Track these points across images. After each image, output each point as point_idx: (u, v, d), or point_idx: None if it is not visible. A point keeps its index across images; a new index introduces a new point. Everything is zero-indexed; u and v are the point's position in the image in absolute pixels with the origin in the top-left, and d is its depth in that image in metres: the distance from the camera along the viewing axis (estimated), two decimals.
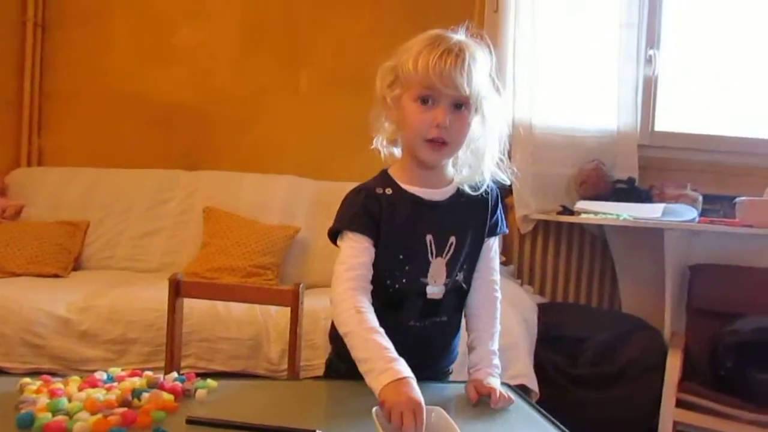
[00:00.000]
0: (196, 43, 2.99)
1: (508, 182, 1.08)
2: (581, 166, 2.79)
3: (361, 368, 0.90)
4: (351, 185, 2.89)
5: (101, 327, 1.84)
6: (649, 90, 2.99)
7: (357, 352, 0.92)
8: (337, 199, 2.86)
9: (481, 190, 1.06)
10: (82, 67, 3.01)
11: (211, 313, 1.86)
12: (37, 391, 0.84)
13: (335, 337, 1.07)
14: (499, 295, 1.12)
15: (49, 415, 0.76)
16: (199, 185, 2.73)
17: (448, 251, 1.04)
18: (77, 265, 2.46)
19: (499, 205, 1.12)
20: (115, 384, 0.90)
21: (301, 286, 1.54)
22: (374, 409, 0.79)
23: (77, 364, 1.79)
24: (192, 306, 1.72)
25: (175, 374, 0.96)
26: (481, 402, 0.97)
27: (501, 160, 1.07)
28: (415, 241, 1.03)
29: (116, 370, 0.97)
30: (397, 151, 1.10)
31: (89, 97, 3.00)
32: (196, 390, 0.91)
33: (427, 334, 1.07)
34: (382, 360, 0.88)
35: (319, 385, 1.04)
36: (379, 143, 1.09)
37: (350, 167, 2.97)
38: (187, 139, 2.95)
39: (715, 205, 2.68)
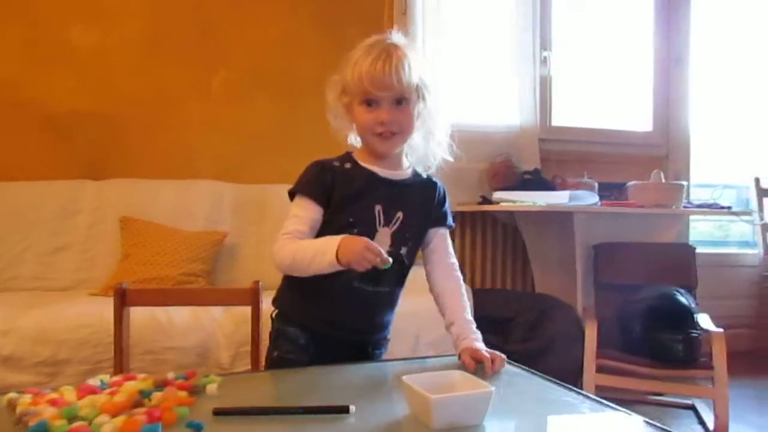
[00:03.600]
0: (93, 44, 2.79)
1: (452, 159, 1.22)
2: (491, 160, 2.97)
3: (316, 263, 1.05)
4: (274, 187, 2.90)
5: (28, 350, 1.68)
6: (544, 88, 3.26)
7: (305, 255, 1.07)
8: (260, 201, 2.85)
9: (432, 169, 1.21)
10: None
11: (151, 324, 1.77)
12: (33, 404, 0.78)
13: (285, 304, 1.22)
14: (459, 275, 1.23)
15: (66, 422, 0.71)
16: (109, 195, 2.55)
17: (395, 223, 1.15)
18: None
19: (447, 198, 1.25)
20: (114, 389, 0.85)
21: (259, 283, 1.53)
22: (403, 378, 0.82)
23: (3, 390, 1.61)
24: (130, 318, 1.62)
25: (172, 373, 0.92)
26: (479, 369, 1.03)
27: (448, 142, 1.21)
28: (366, 208, 1.14)
29: (106, 377, 0.91)
30: None
31: None
32: (205, 386, 0.88)
33: (371, 300, 1.16)
34: (322, 243, 1.06)
35: (328, 370, 1.04)
36: (353, 139, 1.22)
37: (270, 169, 2.94)
38: (90, 146, 2.73)
39: (605, 191, 2.97)
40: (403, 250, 1.17)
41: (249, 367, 1.80)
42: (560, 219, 2.75)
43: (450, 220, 1.24)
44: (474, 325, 1.16)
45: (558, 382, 1.00)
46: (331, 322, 1.16)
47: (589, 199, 2.68)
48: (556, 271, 2.94)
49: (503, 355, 1.06)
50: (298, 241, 1.11)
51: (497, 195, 2.76)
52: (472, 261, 3.11)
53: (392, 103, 1.10)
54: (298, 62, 3.01)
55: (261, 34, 2.97)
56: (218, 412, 0.79)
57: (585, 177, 2.96)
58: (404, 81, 1.08)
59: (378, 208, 1.14)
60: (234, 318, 1.88)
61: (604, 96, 3.45)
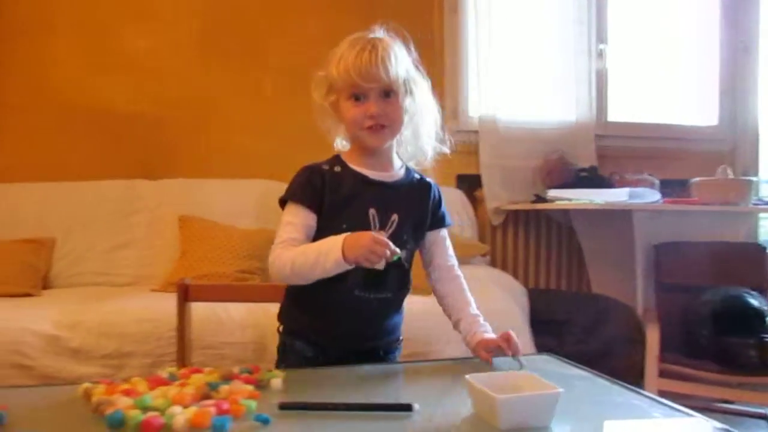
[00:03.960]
0: (147, 49, 2.88)
1: (447, 151, 1.19)
2: (545, 157, 2.90)
3: (320, 266, 1.01)
4: None
5: (94, 343, 1.74)
6: (601, 83, 3.16)
7: (306, 261, 1.02)
8: None
9: (426, 164, 1.19)
10: (29, 81, 2.83)
11: (212, 319, 1.80)
12: (107, 394, 0.80)
13: (287, 317, 1.20)
14: (460, 273, 1.21)
15: (140, 412, 0.72)
16: (166, 194, 2.63)
17: (391, 226, 1.11)
18: (45, 284, 2.32)
19: (442, 199, 1.22)
20: (182, 381, 0.87)
21: None
22: (467, 377, 0.80)
23: (72, 381, 1.68)
24: (191, 314, 1.66)
25: (237, 367, 0.93)
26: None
27: (438, 133, 1.18)
28: (359, 212, 1.10)
29: (174, 370, 0.93)
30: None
31: (37, 111, 2.82)
32: (269, 380, 0.89)
33: (374, 308, 1.12)
34: (324, 243, 1.02)
35: (390, 368, 1.04)
36: (339, 144, 1.19)
37: None
38: (144, 147, 2.82)
39: (667, 189, 2.85)
40: (402, 254, 1.10)
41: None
42: (619, 218, 2.65)
43: (448, 219, 1.22)
44: (481, 318, 1.15)
45: (625, 384, 0.96)
46: (336, 335, 1.13)
47: (650, 196, 2.58)
48: (614, 272, 2.85)
49: (510, 331, 1.06)
50: (297, 248, 1.05)
51: (552, 193, 2.70)
52: (525, 261, 3.05)
53: (380, 96, 1.07)
54: None
55: (306, 32, 2.98)
56: (284, 407, 0.79)
57: (645, 174, 2.85)
58: (391, 72, 1.06)
59: (372, 211, 1.10)
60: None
61: (664, 89, 3.32)
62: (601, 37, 3.14)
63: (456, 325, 1.17)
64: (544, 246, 3.07)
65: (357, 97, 1.07)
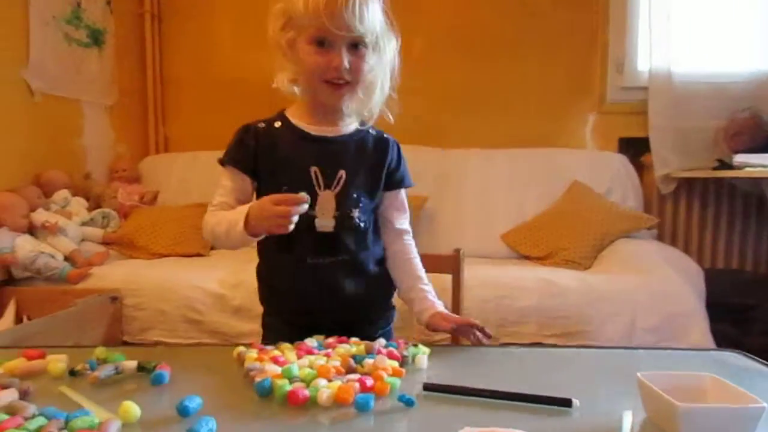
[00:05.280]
0: None
1: (392, 120, 1.06)
2: (732, 116, 2.51)
3: (232, 238, 0.94)
4: (474, 152, 2.83)
5: (253, 302, 1.85)
6: None
7: (221, 231, 0.96)
8: (460, 166, 2.80)
9: (369, 125, 1.06)
10: (195, 59, 3.07)
11: None
12: (259, 359, 0.81)
13: (260, 295, 1.11)
14: (411, 242, 1.12)
15: (287, 382, 0.72)
16: None
17: (337, 184, 1.01)
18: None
19: (402, 158, 1.10)
20: (328, 351, 0.86)
21: (461, 251, 1.47)
22: (638, 375, 0.69)
23: (233, 338, 1.81)
24: None
25: (383, 341, 0.90)
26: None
27: (390, 96, 1.05)
28: (299, 172, 1.00)
29: (321, 338, 0.93)
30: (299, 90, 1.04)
31: (203, 86, 3.07)
32: (414, 356, 0.85)
33: (332, 274, 1.02)
34: (233, 214, 0.94)
35: (547, 352, 0.95)
36: (280, 83, 1.03)
37: (470, 133, 2.89)
38: None
39: None
40: (356, 213, 1.02)
41: (448, 336, 1.79)
42: None
43: (408, 180, 1.11)
44: (434, 292, 1.08)
45: None
46: (302, 310, 1.04)
47: None
48: None
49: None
50: (217, 214, 0.99)
51: (739, 158, 2.33)
52: (699, 236, 2.71)
53: (347, 46, 0.95)
54: (495, 24, 2.87)
55: None
56: (428, 388, 0.74)
57: None
58: (367, 22, 0.94)
59: (314, 169, 1.00)
60: (435, 284, 1.86)
61: None
62: None
63: (404, 296, 1.10)
64: (725, 219, 2.69)
65: (321, 43, 0.95)
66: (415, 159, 2.60)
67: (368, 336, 0.93)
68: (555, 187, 2.61)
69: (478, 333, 0.98)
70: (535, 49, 2.89)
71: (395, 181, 1.09)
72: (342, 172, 1.01)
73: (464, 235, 2.52)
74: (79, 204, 2.42)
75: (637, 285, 1.91)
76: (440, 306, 1.06)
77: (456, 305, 1.44)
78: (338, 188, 1.01)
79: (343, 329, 0.97)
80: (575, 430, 0.66)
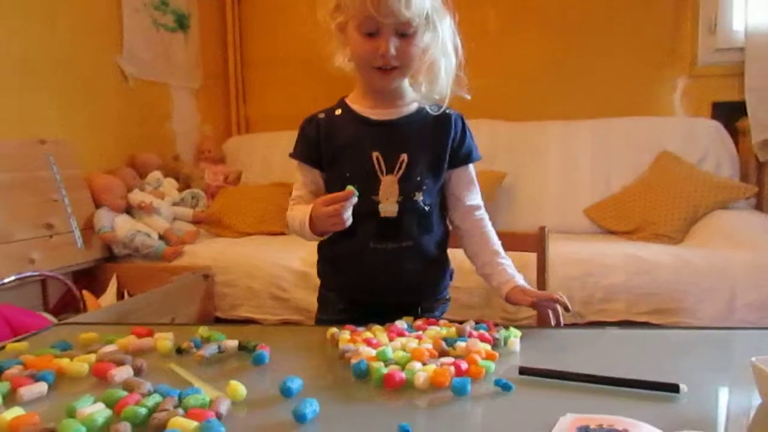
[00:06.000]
0: None
1: (468, 97, 1.03)
2: None
3: (304, 234, 0.99)
4: (551, 124, 2.75)
5: None
6: None
7: (296, 229, 1.01)
8: (537, 140, 2.73)
9: (444, 107, 1.03)
10: (277, 36, 3.12)
11: None
12: (352, 341, 0.83)
13: (319, 269, 1.12)
14: (484, 215, 1.09)
15: (382, 364, 0.73)
16: None
17: (399, 168, 1.00)
18: None
19: (467, 132, 1.07)
20: (419, 333, 0.87)
21: (545, 229, 1.43)
22: (752, 360, 0.65)
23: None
24: None
25: (472, 322, 0.90)
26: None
27: (458, 75, 1.02)
28: (361, 158, 1.00)
29: (410, 320, 0.94)
30: None
31: (281, 67, 3.11)
32: (506, 339, 0.84)
33: (395, 258, 1.02)
34: (303, 214, 0.97)
35: (652, 334, 0.91)
36: (340, 62, 1.04)
37: (545, 106, 2.78)
38: None
39: None
40: (418, 196, 1.01)
41: (533, 314, 1.76)
42: None
43: (475, 154, 1.07)
44: (512, 266, 1.05)
45: None
46: (362, 289, 1.05)
47: None
48: None
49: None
50: (294, 210, 1.03)
51: None
52: None
53: (394, 32, 0.93)
54: None
55: None
56: (525, 372, 0.73)
57: None
58: (414, 7, 0.91)
59: (375, 154, 0.99)
60: (518, 263, 1.81)
61: None
62: None
63: (486, 278, 1.07)
64: None
65: (368, 30, 0.94)
66: (491, 134, 2.61)
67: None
68: (642, 157, 2.48)
69: (559, 307, 0.96)
70: (618, 11, 2.73)
71: (461, 158, 1.06)
72: (404, 156, 1.00)
73: (545, 210, 2.45)
74: (170, 185, 2.55)
75: (736, 258, 1.80)
76: (520, 279, 1.04)
77: (541, 285, 1.41)
78: (401, 172, 1.00)
79: (402, 310, 0.99)
80: (684, 417, 0.63)
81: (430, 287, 1.10)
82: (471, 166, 1.08)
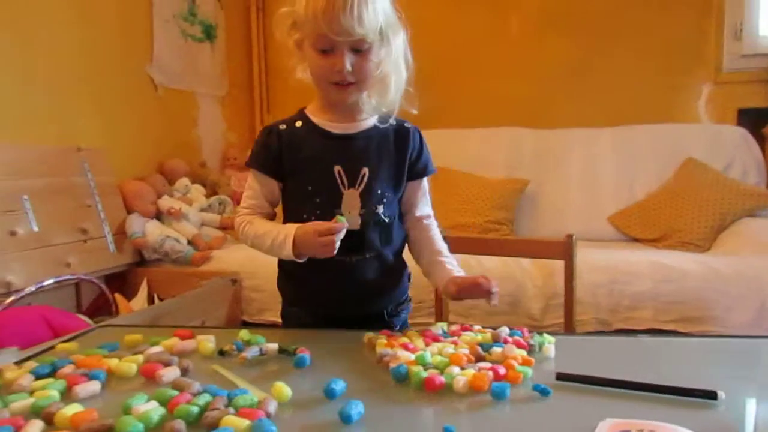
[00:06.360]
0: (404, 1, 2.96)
1: (415, 112, 1.03)
2: None
3: (273, 252, 0.99)
4: (574, 132, 2.76)
5: None
6: None
7: (263, 245, 1.00)
8: (560, 147, 2.73)
9: (390, 120, 1.04)
10: None
11: (467, 269, 1.82)
12: (389, 345, 0.85)
13: (280, 286, 1.12)
14: (432, 222, 1.10)
15: (421, 368, 0.75)
16: None
17: (361, 182, 1.01)
18: None
19: (425, 145, 1.08)
20: (454, 339, 0.89)
21: (573, 237, 1.44)
22: None
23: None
24: None
25: (506, 329, 0.91)
26: None
27: (407, 90, 1.03)
28: (323, 172, 1.01)
29: (445, 325, 0.96)
30: None
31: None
32: (540, 345, 0.85)
33: (360, 269, 1.03)
34: (276, 234, 0.97)
35: (681, 342, 0.92)
36: (303, 73, 1.04)
37: (570, 113, 2.79)
38: None
39: None
40: (380, 209, 1.02)
41: (559, 321, 1.77)
42: None
43: (431, 167, 1.08)
44: (454, 262, 1.03)
45: None
46: (327, 301, 1.05)
47: None
48: None
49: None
50: (256, 223, 1.02)
51: None
52: None
53: (349, 49, 0.94)
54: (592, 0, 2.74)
55: None
56: (562, 377, 0.75)
57: None
58: (367, 23, 0.91)
59: (337, 168, 1.00)
60: (543, 270, 1.84)
61: None
62: None
63: (427, 274, 1.07)
64: None
65: (323, 48, 0.95)
66: (513, 141, 2.63)
67: (387, 326, 1.01)
68: (667, 164, 2.47)
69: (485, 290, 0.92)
70: (642, 17, 2.72)
71: (418, 171, 1.07)
72: (365, 170, 1.01)
73: (568, 218, 2.46)
74: (197, 191, 2.60)
75: (763, 266, 1.79)
76: (458, 272, 1.02)
77: (569, 292, 1.42)
78: (362, 186, 1.01)
79: (369, 319, 1.03)
80: (722, 424, 0.64)
81: (394, 293, 1.10)
82: (425, 178, 1.09)
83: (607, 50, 2.75)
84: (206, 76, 2.94)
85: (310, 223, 0.94)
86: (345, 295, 1.04)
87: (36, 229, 1.87)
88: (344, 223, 0.91)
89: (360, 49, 0.95)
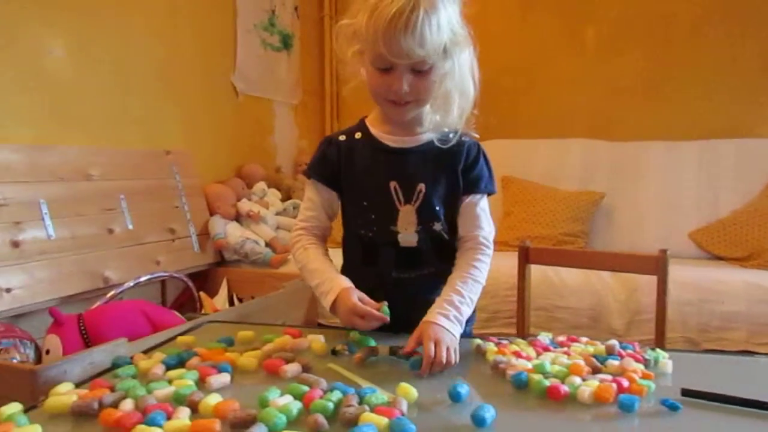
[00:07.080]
0: (474, 14, 2.97)
1: (477, 136, 1.01)
2: None
3: (316, 292, 0.99)
4: (650, 144, 2.69)
5: None
6: None
7: (310, 280, 1.01)
8: (636, 159, 2.68)
9: (452, 142, 0.99)
10: None
11: (545, 281, 1.83)
12: (499, 353, 0.86)
13: None
14: (481, 246, 1.00)
15: (542, 377, 0.76)
16: (491, 154, 2.73)
17: (417, 198, 0.98)
18: None
19: (483, 162, 1.02)
20: (565, 349, 0.89)
21: (666, 252, 1.41)
22: None
23: None
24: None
25: (616, 341, 0.91)
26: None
27: (474, 113, 0.98)
28: (378, 187, 0.99)
29: (550, 335, 0.96)
30: None
31: None
32: (656, 360, 0.84)
33: (416, 287, 1.01)
34: (323, 281, 0.98)
35: None
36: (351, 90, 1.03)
37: (645, 125, 2.72)
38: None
39: None
40: (437, 226, 1.00)
41: (644, 337, 1.73)
42: None
43: (484, 185, 1.01)
44: (458, 298, 0.92)
45: None
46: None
47: None
48: None
49: (454, 359, 0.83)
50: (311, 253, 1.02)
51: None
52: None
53: (408, 70, 0.91)
54: (671, 11, 2.66)
55: None
56: (687, 393, 0.74)
57: None
58: (429, 45, 0.88)
59: (393, 184, 0.98)
60: (626, 284, 1.81)
61: None
62: None
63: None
64: None
65: (382, 67, 0.92)
66: (587, 153, 2.59)
67: None
68: (753, 181, 2.38)
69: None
70: (722, 25, 2.64)
71: (470, 186, 1.01)
72: (421, 186, 0.98)
73: (645, 233, 2.40)
74: (274, 195, 2.68)
75: None
76: (438, 318, 0.90)
77: (661, 308, 1.39)
78: (418, 203, 0.99)
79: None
80: None
81: None
82: (478, 196, 1.01)
83: (688, 60, 2.67)
84: (282, 84, 3.04)
85: (356, 299, 0.92)
86: (401, 312, 0.95)
87: (131, 227, 1.98)
88: (387, 317, 0.90)
89: (420, 70, 0.92)
